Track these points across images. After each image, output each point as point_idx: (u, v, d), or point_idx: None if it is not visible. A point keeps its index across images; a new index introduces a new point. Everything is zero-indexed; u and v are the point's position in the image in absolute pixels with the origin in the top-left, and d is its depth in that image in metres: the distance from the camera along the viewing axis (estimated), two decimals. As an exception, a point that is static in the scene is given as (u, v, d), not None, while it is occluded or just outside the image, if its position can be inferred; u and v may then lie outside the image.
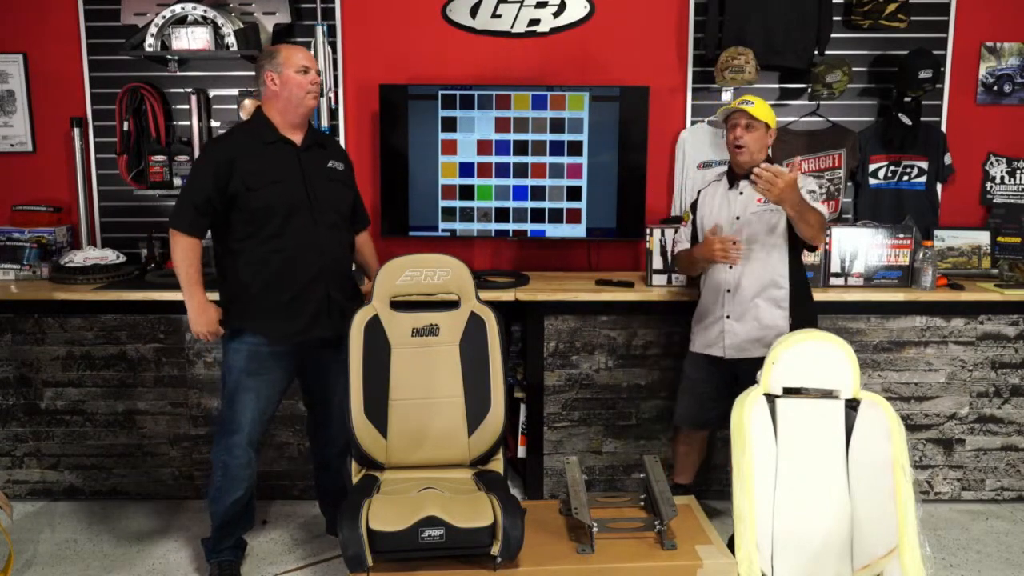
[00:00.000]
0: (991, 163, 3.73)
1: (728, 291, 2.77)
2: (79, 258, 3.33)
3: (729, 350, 2.78)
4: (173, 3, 3.34)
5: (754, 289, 2.73)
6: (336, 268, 2.66)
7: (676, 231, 3.07)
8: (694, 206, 2.91)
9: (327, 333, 2.63)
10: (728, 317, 2.77)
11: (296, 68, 2.53)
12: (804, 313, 2.75)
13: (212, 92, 3.62)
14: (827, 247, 3.29)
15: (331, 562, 2.86)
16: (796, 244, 2.73)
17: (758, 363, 2.67)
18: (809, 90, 3.56)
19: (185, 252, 2.52)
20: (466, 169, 3.50)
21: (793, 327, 2.70)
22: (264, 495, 3.26)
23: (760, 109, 2.67)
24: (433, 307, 2.57)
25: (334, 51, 3.55)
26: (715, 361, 2.83)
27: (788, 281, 2.72)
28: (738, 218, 2.75)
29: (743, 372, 2.74)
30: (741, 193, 2.77)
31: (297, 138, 2.60)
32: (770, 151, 3.57)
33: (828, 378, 2.39)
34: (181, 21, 3.33)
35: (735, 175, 2.79)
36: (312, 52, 3.45)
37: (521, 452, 3.32)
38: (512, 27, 3.61)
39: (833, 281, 3.30)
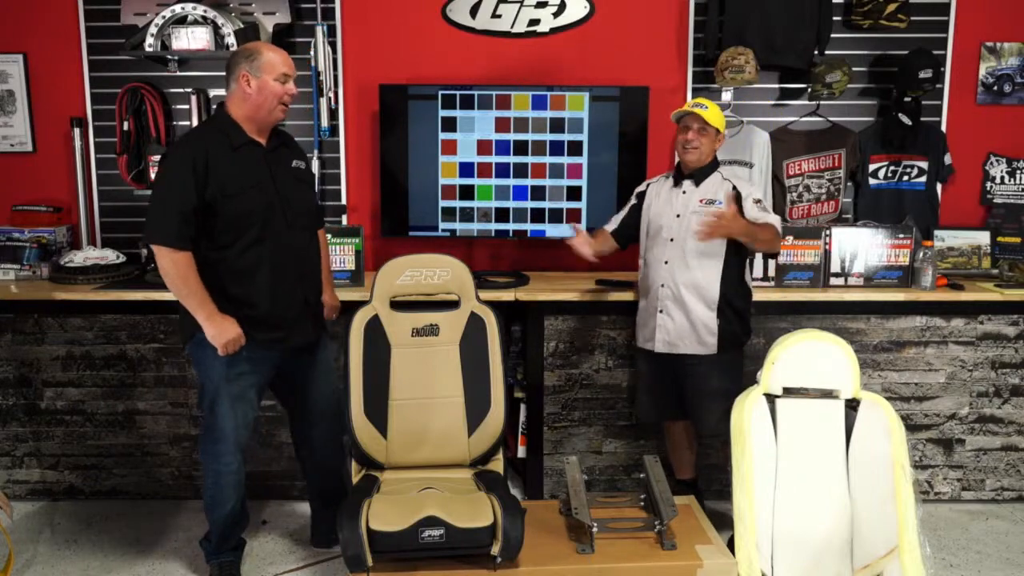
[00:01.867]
0: (991, 163, 3.73)
1: (663, 286, 2.83)
2: (79, 258, 3.33)
3: (659, 344, 2.86)
4: (173, 3, 3.34)
5: (687, 285, 2.79)
6: (311, 271, 2.61)
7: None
8: (641, 195, 3.00)
9: (305, 339, 2.60)
10: (662, 311, 2.84)
11: (275, 75, 2.41)
12: (735, 315, 2.81)
13: (212, 92, 3.62)
14: (827, 247, 3.29)
15: (331, 562, 2.86)
16: (739, 250, 2.78)
17: (689, 360, 2.81)
18: (809, 90, 3.56)
19: (182, 267, 2.34)
20: (466, 169, 3.50)
21: (722, 327, 2.77)
22: (264, 495, 3.26)
23: (713, 114, 2.76)
24: (433, 307, 2.57)
25: (334, 51, 3.55)
26: (656, 356, 2.89)
27: (720, 281, 2.77)
28: (679, 216, 2.82)
29: (678, 368, 2.86)
30: (684, 192, 2.84)
31: (262, 140, 2.49)
32: (771, 154, 3.60)
33: (828, 378, 2.39)
34: (181, 21, 3.33)
35: (680, 174, 2.87)
36: (312, 52, 3.46)
37: (521, 452, 3.32)
38: (512, 27, 3.61)
39: (833, 281, 3.31)
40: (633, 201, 3.02)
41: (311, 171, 2.72)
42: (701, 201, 2.78)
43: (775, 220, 2.74)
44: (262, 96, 2.41)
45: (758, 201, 2.75)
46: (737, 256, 2.79)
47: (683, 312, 2.80)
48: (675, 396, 2.93)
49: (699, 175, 2.82)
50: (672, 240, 2.81)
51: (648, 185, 3.01)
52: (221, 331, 2.39)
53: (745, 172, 3.55)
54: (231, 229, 2.40)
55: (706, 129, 2.76)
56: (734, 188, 2.77)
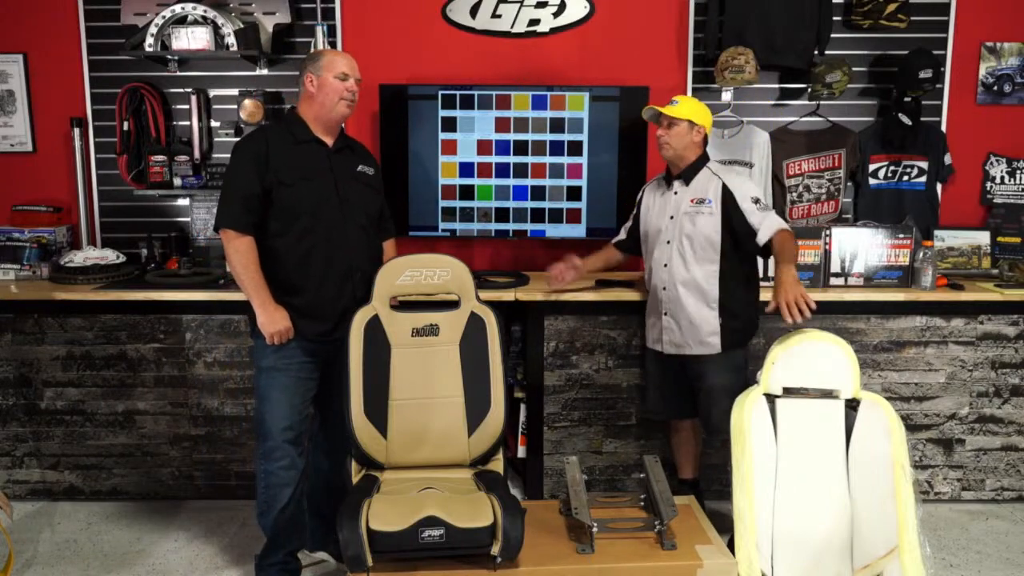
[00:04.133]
0: (991, 163, 3.73)
1: (664, 288, 2.85)
2: (79, 258, 3.33)
3: (667, 346, 2.88)
4: (173, 3, 3.34)
5: (685, 286, 2.80)
6: (364, 269, 2.61)
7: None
8: (639, 202, 3.03)
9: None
10: (665, 314, 2.86)
11: (336, 73, 2.53)
12: (737, 313, 2.81)
13: (212, 92, 3.62)
14: (827, 247, 3.29)
15: (329, 563, 2.86)
16: (737, 247, 2.77)
17: (697, 360, 2.82)
18: (809, 90, 3.56)
19: (242, 254, 2.45)
20: (466, 169, 3.50)
21: (724, 326, 2.78)
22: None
23: (681, 108, 2.76)
24: (433, 307, 2.57)
25: (334, 51, 3.55)
26: (664, 355, 2.91)
27: (718, 280, 2.77)
28: (672, 218, 2.84)
29: (687, 368, 2.88)
30: (675, 193, 2.85)
31: (329, 140, 2.60)
32: (771, 154, 3.60)
33: (828, 378, 2.39)
34: (181, 21, 3.33)
35: (670, 175, 2.89)
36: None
37: (521, 452, 3.32)
38: (512, 27, 3.61)
39: (833, 281, 3.31)
40: (636, 209, 3.06)
41: (378, 178, 2.77)
42: (692, 201, 2.78)
43: (780, 223, 2.67)
44: (324, 92, 2.54)
45: (756, 200, 2.72)
46: (735, 253, 2.78)
47: (685, 313, 2.80)
48: (684, 395, 2.94)
49: (688, 173, 2.82)
50: (668, 242, 2.82)
51: (644, 189, 3.03)
52: (271, 320, 2.47)
53: (745, 172, 3.55)
54: (281, 217, 2.50)
55: (674, 123, 2.76)
56: (724, 187, 2.74)
